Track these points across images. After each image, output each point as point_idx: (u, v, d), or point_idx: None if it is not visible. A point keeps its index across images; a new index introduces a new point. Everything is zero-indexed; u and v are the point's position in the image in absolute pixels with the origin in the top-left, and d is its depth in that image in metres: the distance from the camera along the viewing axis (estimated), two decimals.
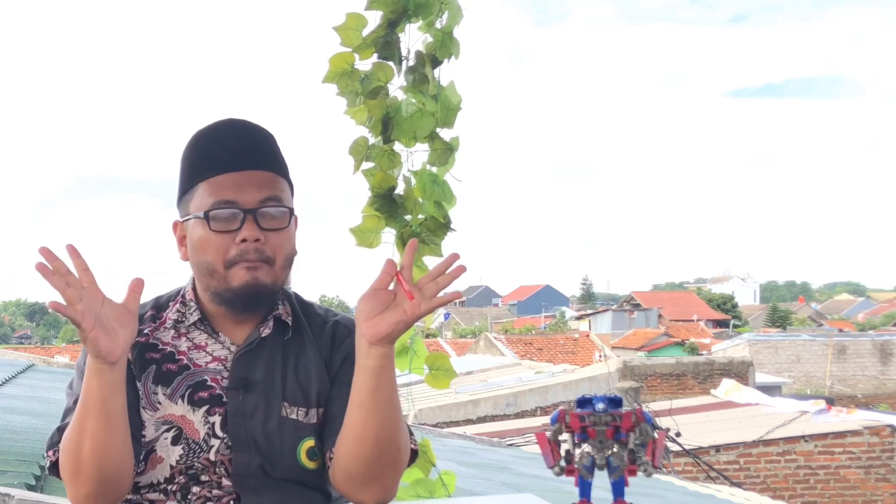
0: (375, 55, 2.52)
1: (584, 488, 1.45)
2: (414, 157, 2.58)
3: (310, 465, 1.54)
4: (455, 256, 1.46)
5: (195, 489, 1.52)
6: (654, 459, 1.42)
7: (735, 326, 56.58)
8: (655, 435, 1.43)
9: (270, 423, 1.53)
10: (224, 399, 1.53)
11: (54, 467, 1.49)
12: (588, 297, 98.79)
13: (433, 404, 13.77)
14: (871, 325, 57.43)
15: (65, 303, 1.34)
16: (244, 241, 1.50)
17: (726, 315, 63.12)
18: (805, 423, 11.75)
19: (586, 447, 1.44)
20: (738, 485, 9.95)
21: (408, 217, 2.58)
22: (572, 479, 1.45)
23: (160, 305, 1.62)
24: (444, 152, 2.56)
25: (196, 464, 1.52)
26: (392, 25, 2.49)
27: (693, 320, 53.17)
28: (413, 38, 2.53)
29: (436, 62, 2.51)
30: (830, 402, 13.35)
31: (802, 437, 11.11)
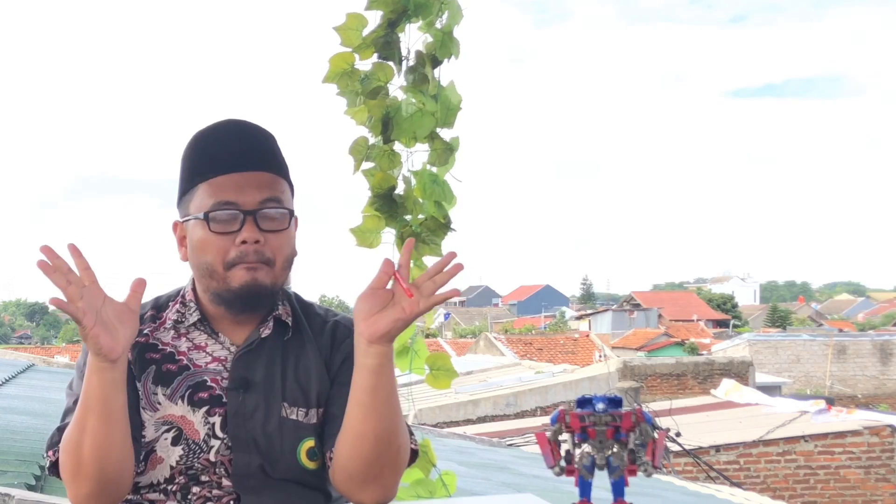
0: (375, 55, 2.52)
1: (584, 488, 1.45)
2: (414, 157, 2.59)
3: (310, 465, 1.54)
4: (452, 255, 1.46)
5: (195, 489, 1.52)
6: (654, 459, 1.42)
7: (735, 326, 56.59)
8: (655, 435, 1.43)
9: (270, 424, 1.53)
10: (224, 399, 1.53)
11: (54, 467, 1.49)
12: (588, 297, 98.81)
13: (433, 404, 13.77)
14: (871, 325, 57.44)
15: (66, 300, 1.34)
16: (244, 242, 1.50)
17: (726, 315, 63.12)
18: (805, 423, 11.75)
19: (586, 447, 1.44)
20: (738, 485, 9.95)
21: (408, 217, 2.58)
22: (572, 479, 1.45)
23: (160, 306, 1.62)
24: (444, 152, 2.56)
25: (196, 464, 1.52)
26: (392, 25, 2.49)
27: (693, 320, 53.18)
28: (413, 38, 2.53)
29: (436, 62, 2.51)
30: (830, 402, 13.35)
31: (802, 437, 11.11)
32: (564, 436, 1.45)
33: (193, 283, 1.60)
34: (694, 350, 30.69)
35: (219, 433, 1.52)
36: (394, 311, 1.43)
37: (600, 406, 1.44)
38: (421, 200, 2.56)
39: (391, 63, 2.52)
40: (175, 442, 1.52)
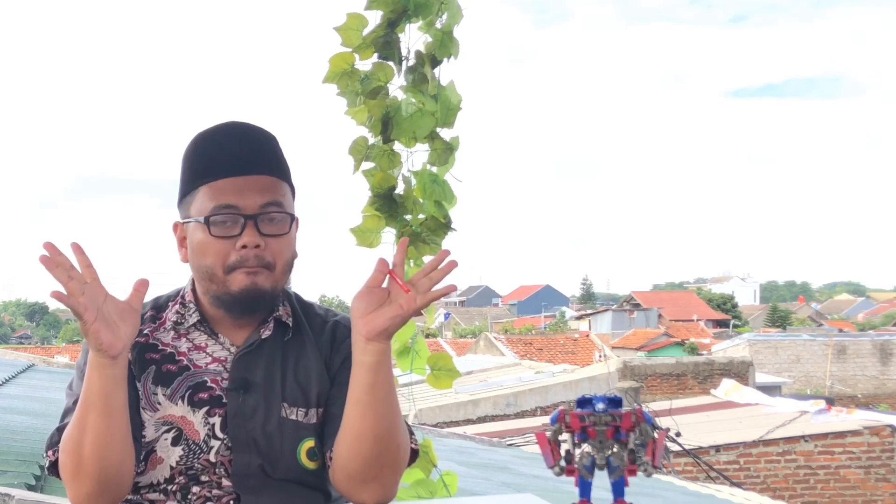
0: (375, 55, 2.52)
1: (584, 488, 1.45)
2: (414, 157, 2.58)
3: (310, 465, 1.54)
4: (446, 253, 1.47)
5: (195, 489, 1.52)
6: (654, 459, 1.42)
7: (735, 326, 56.59)
8: (655, 435, 1.43)
9: (270, 424, 1.53)
10: (224, 400, 1.53)
11: (54, 467, 1.49)
12: (588, 297, 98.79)
13: (433, 404, 13.77)
14: (871, 325, 57.44)
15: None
16: (244, 247, 1.50)
17: (726, 315, 63.11)
18: (805, 423, 11.75)
19: (586, 447, 1.44)
20: (738, 485, 9.95)
21: (408, 217, 2.58)
22: (572, 479, 1.45)
23: (160, 306, 1.62)
24: (444, 152, 2.56)
25: (196, 464, 1.52)
26: (392, 25, 2.49)
27: (693, 320, 53.17)
28: (413, 38, 2.53)
29: (435, 62, 2.50)
30: (830, 402, 13.35)
31: (802, 437, 11.11)
32: (564, 436, 1.45)
33: (193, 284, 1.60)
34: (694, 350, 30.69)
35: (219, 434, 1.52)
36: (391, 309, 1.43)
37: (600, 406, 1.44)
38: (421, 200, 2.56)
39: (391, 63, 2.52)
40: (175, 442, 1.52)
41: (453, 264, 1.45)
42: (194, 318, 1.58)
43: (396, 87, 2.54)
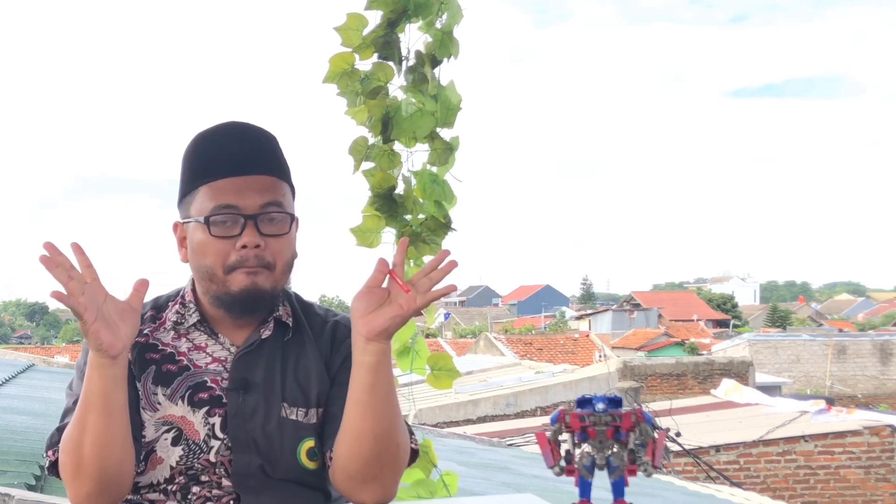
0: (375, 55, 2.52)
1: (584, 488, 1.45)
2: (414, 157, 2.58)
3: (310, 465, 1.54)
4: (446, 253, 1.47)
5: (195, 489, 1.52)
6: (654, 459, 1.42)
7: (735, 326, 56.58)
8: (655, 435, 1.43)
9: (270, 424, 1.53)
10: (224, 400, 1.53)
11: (53, 467, 1.49)
12: (588, 297, 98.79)
13: (433, 404, 13.77)
14: (871, 325, 57.43)
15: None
16: (244, 247, 1.50)
17: (726, 315, 63.10)
18: (805, 423, 11.75)
19: (586, 447, 1.44)
20: (738, 485, 9.95)
21: (408, 217, 2.58)
22: (572, 479, 1.45)
23: (159, 306, 1.62)
24: (444, 152, 2.56)
25: (196, 464, 1.52)
26: (392, 25, 2.49)
27: (693, 320, 53.17)
28: (413, 38, 2.53)
29: (435, 62, 2.50)
30: (830, 402, 13.35)
31: (802, 437, 11.11)
32: (564, 436, 1.45)
33: (193, 284, 1.60)
34: (694, 350, 30.69)
35: (219, 434, 1.52)
36: (391, 308, 1.43)
37: (600, 406, 1.44)
38: (421, 200, 2.56)
39: (391, 63, 2.52)
40: (175, 442, 1.52)
41: (453, 264, 1.45)
42: (194, 318, 1.58)
43: (396, 87, 2.54)
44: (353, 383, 1.47)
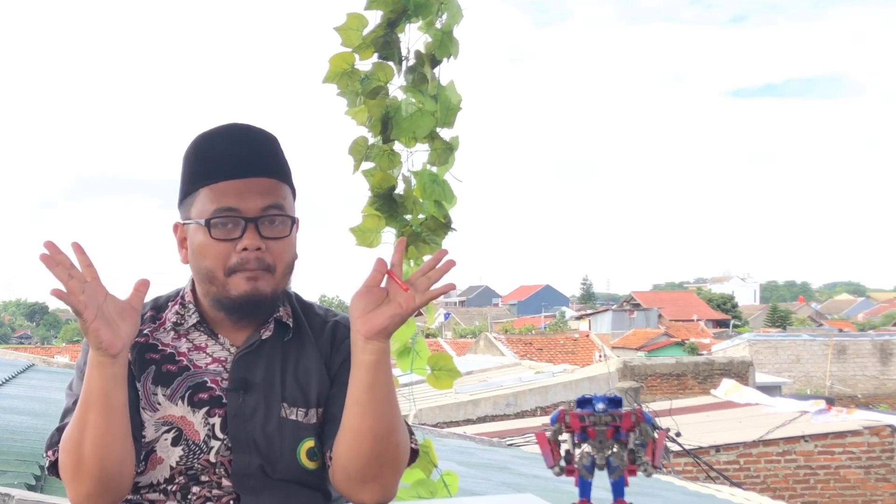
0: (375, 55, 2.52)
1: (584, 488, 1.45)
2: (414, 157, 2.59)
3: (310, 465, 1.55)
4: (443, 252, 1.48)
5: (195, 489, 1.52)
6: (654, 459, 1.42)
7: (735, 326, 56.60)
8: (655, 435, 1.43)
9: (270, 424, 1.53)
10: (224, 400, 1.53)
11: (53, 467, 1.49)
12: (588, 297, 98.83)
13: (433, 404, 13.78)
14: (871, 325, 57.44)
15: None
16: (245, 249, 1.50)
17: (726, 315, 63.12)
18: (805, 423, 11.75)
19: (586, 447, 1.44)
20: (738, 485, 9.95)
21: (408, 217, 2.58)
22: (572, 479, 1.45)
23: (159, 306, 1.62)
24: (444, 152, 2.56)
25: (196, 465, 1.52)
26: (392, 25, 2.49)
27: (693, 320, 53.18)
28: (413, 38, 2.53)
29: (435, 62, 2.51)
30: (830, 402, 13.35)
31: (802, 437, 11.11)
32: (564, 436, 1.45)
33: (193, 285, 1.60)
34: (694, 350, 30.69)
35: (219, 434, 1.52)
36: (390, 308, 1.44)
37: (600, 406, 1.44)
38: (421, 200, 2.56)
39: (391, 63, 2.52)
40: (175, 442, 1.52)
41: (451, 263, 1.46)
42: (194, 319, 1.58)
43: (396, 87, 2.54)
44: (353, 383, 1.47)
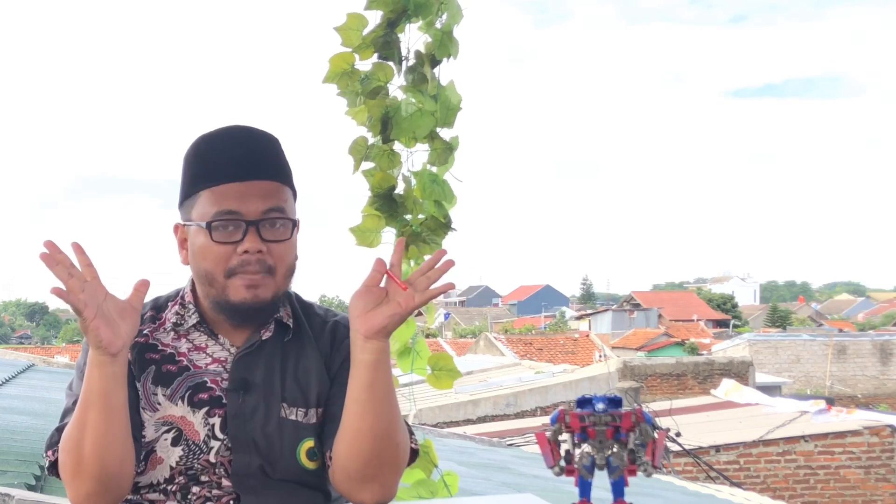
0: (375, 55, 2.52)
1: (584, 488, 1.45)
2: (414, 156, 2.59)
3: (310, 465, 1.55)
4: (442, 252, 1.48)
5: (195, 489, 1.52)
6: (654, 459, 1.42)
7: (735, 326, 56.60)
8: (655, 435, 1.43)
9: (270, 425, 1.53)
10: (224, 401, 1.53)
11: (53, 467, 1.49)
12: (588, 297, 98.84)
13: (433, 404, 13.78)
14: (871, 325, 57.44)
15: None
16: (246, 252, 1.50)
17: (726, 315, 63.12)
18: (805, 423, 11.75)
19: (586, 447, 1.44)
20: (738, 485, 9.95)
21: (408, 217, 2.58)
22: (572, 479, 1.45)
23: (159, 306, 1.62)
24: (444, 152, 2.56)
25: (196, 465, 1.52)
26: (392, 25, 2.49)
27: (693, 320, 53.17)
28: (413, 38, 2.53)
29: (435, 62, 2.51)
30: (830, 402, 13.35)
31: (802, 437, 11.11)
32: (564, 436, 1.45)
33: (192, 285, 1.60)
34: (694, 350, 30.69)
35: (219, 434, 1.52)
36: (390, 307, 1.44)
37: (600, 406, 1.44)
38: (421, 200, 2.56)
39: (391, 63, 2.53)
40: (175, 442, 1.52)
41: (450, 263, 1.46)
42: (194, 319, 1.58)
43: (396, 87, 2.54)
44: (352, 382, 1.47)
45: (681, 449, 10.17)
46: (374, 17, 2.49)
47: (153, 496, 1.53)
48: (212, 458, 1.52)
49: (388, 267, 1.46)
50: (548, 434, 1.45)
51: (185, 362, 1.56)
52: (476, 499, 2.93)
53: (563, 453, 1.45)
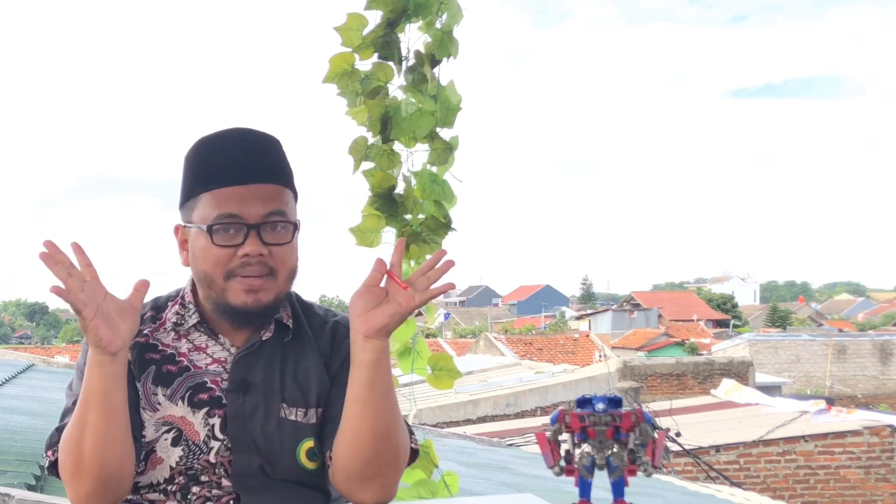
0: (375, 55, 2.52)
1: (584, 488, 1.45)
2: (414, 156, 2.59)
3: (309, 465, 1.55)
4: (443, 252, 1.48)
5: (195, 489, 1.52)
6: (654, 459, 1.42)
7: (735, 326, 56.59)
8: (655, 435, 1.43)
9: (269, 425, 1.53)
10: (224, 401, 1.53)
11: (53, 467, 1.49)
12: (588, 297, 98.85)
13: (433, 404, 13.78)
14: (871, 325, 57.44)
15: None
16: (247, 255, 1.50)
17: (726, 315, 63.12)
18: (805, 423, 11.75)
19: (586, 447, 1.44)
20: (738, 485, 9.95)
21: (408, 217, 2.58)
22: (572, 479, 1.45)
23: (159, 306, 1.62)
24: (444, 152, 2.56)
25: (196, 465, 1.52)
26: (392, 25, 2.49)
27: (693, 320, 53.17)
28: (413, 38, 2.53)
29: (435, 62, 2.51)
30: (830, 402, 13.35)
31: (802, 437, 11.11)
32: (564, 436, 1.45)
33: (193, 285, 1.60)
34: (694, 350, 30.69)
35: (219, 434, 1.52)
36: (390, 306, 1.44)
37: (600, 406, 1.44)
38: (421, 200, 2.56)
39: (391, 63, 2.52)
40: (175, 443, 1.52)
41: (450, 263, 1.46)
42: (194, 320, 1.58)
43: (396, 87, 2.54)
44: (352, 381, 1.47)
45: (681, 449, 10.17)
46: (374, 17, 2.49)
47: (153, 496, 1.53)
48: (212, 459, 1.52)
49: (388, 267, 1.46)
50: (548, 434, 1.45)
51: (186, 362, 1.56)
52: (476, 499, 2.93)
53: (563, 453, 1.45)
